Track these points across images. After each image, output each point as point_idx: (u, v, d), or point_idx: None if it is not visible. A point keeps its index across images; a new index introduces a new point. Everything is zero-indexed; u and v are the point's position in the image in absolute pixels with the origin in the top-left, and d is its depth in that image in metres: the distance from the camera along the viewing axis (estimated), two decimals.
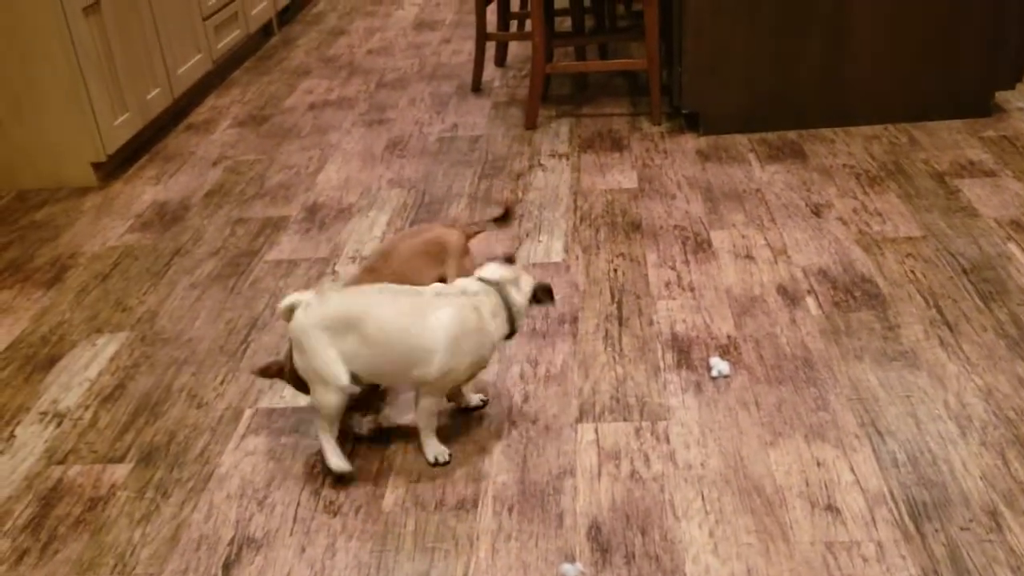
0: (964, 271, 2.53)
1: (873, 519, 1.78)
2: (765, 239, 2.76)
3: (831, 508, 1.81)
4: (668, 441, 2.01)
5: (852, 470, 1.90)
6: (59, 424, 2.23)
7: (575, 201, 3.09)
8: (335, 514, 1.89)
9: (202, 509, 1.94)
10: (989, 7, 3.29)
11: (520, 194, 3.17)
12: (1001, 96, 3.58)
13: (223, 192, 3.37)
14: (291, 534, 1.85)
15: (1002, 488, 1.83)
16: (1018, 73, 3.39)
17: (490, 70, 4.43)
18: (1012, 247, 2.62)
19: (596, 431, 2.06)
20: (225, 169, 3.56)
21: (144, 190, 3.44)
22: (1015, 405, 2.04)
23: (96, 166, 3.49)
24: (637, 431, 2.05)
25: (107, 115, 3.45)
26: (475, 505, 1.89)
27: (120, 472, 2.06)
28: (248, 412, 2.21)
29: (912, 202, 2.91)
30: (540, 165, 3.39)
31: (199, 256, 2.94)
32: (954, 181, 3.01)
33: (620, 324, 2.42)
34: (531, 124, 3.71)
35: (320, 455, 2.02)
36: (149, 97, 3.76)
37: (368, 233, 2.99)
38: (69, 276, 2.89)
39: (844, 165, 3.18)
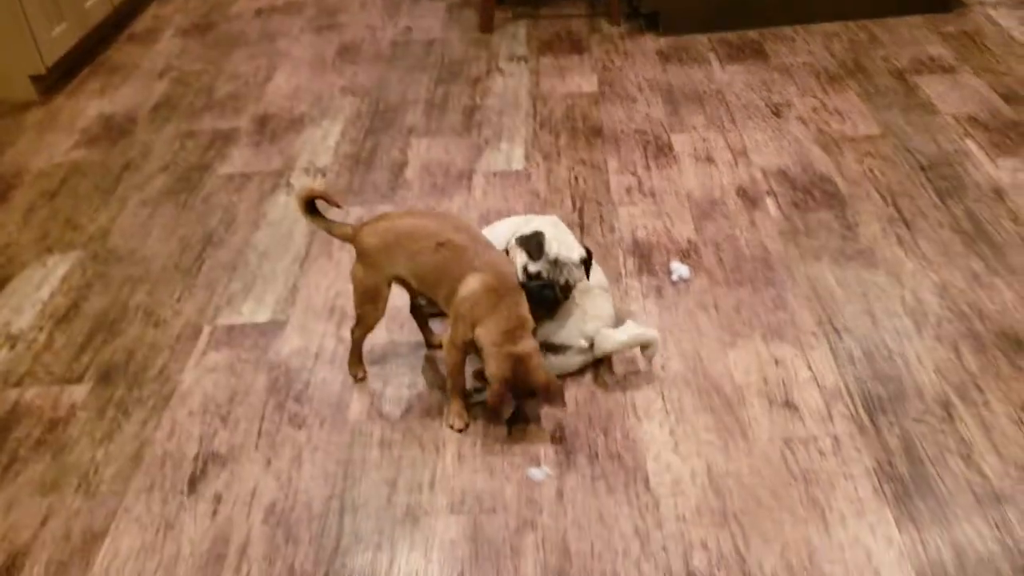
0: (922, 168, 2.57)
1: (829, 414, 1.84)
2: (725, 141, 2.77)
3: (789, 405, 1.87)
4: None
5: (809, 367, 1.95)
6: (13, 347, 2.21)
7: (535, 106, 3.07)
8: (300, 427, 1.92)
9: (165, 427, 1.95)
10: None
11: (479, 100, 3.14)
12: None
13: (170, 105, 3.30)
14: (256, 448, 1.88)
15: (954, 380, 1.89)
16: None
17: None
18: (969, 143, 2.65)
19: None
20: (171, 80, 3.48)
21: (88, 104, 3.36)
22: (969, 300, 2.09)
23: (36, 79, 3.39)
24: None
25: (43, 25, 3.33)
26: (440, 413, 1.92)
27: (79, 393, 2.06)
28: (207, 329, 2.21)
29: (871, 100, 2.92)
30: (498, 69, 3.34)
31: (149, 171, 2.89)
32: (913, 78, 3.02)
33: (582, 231, 2.43)
34: (487, 27, 3.65)
35: (285, 374, 2.05)
36: (87, 5, 3.63)
37: (322, 144, 2.95)
38: (15, 195, 2.83)
39: (804, 64, 3.18)
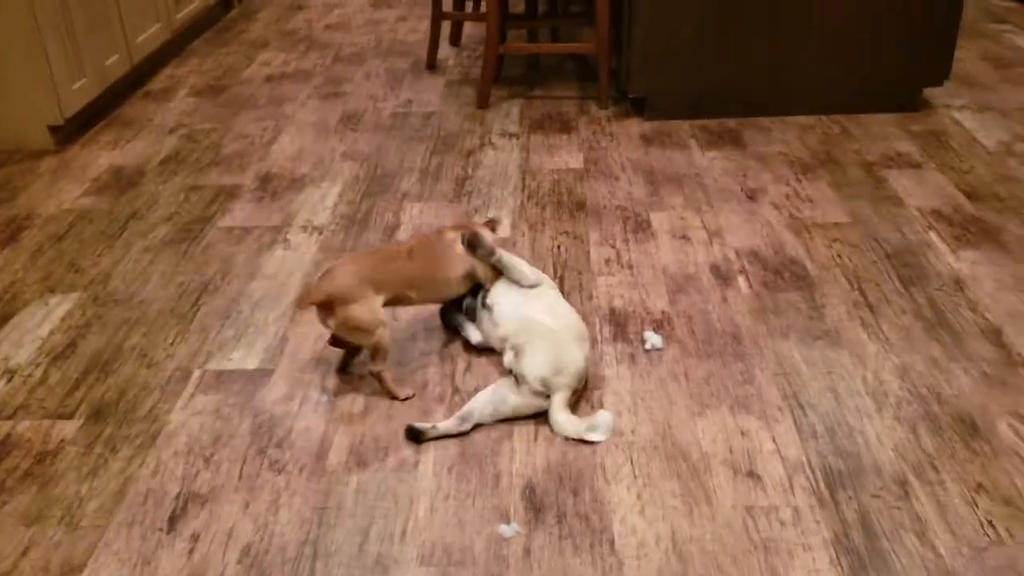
0: (887, 256, 2.60)
1: (791, 486, 1.83)
2: (701, 221, 2.80)
3: (752, 475, 1.86)
4: (602, 409, 2.04)
5: (773, 440, 1.95)
6: (9, 380, 2.19)
7: (523, 180, 3.11)
8: (280, 472, 1.90)
9: (149, 465, 1.93)
10: (920, 7, 3.35)
11: (471, 171, 3.17)
12: (929, 92, 3.65)
13: (179, 159, 3.33)
14: (236, 490, 1.85)
15: (912, 460, 1.89)
16: (946, 71, 3.47)
17: (445, 49, 4.41)
18: (932, 235, 2.69)
19: None
20: (181, 137, 3.51)
21: (101, 155, 3.38)
22: (928, 383, 2.10)
23: (53, 129, 3.41)
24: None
25: (65, 79, 3.38)
26: (415, 466, 1.90)
27: (69, 428, 2.04)
28: (197, 373, 2.20)
29: (842, 190, 2.97)
30: (491, 143, 3.39)
31: (153, 221, 2.90)
32: (882, 171, 3.08)
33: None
34: (483, 103, 3.71)
35: (268, 420, 2.04)
36: (108, 63, 3.68)
37: (320, 203, 2.98)
38: (24, 236, 2.83)
39: (779, 153, 3.24)
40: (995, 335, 2.25)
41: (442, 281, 2.15)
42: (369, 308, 2.02)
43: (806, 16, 3.35)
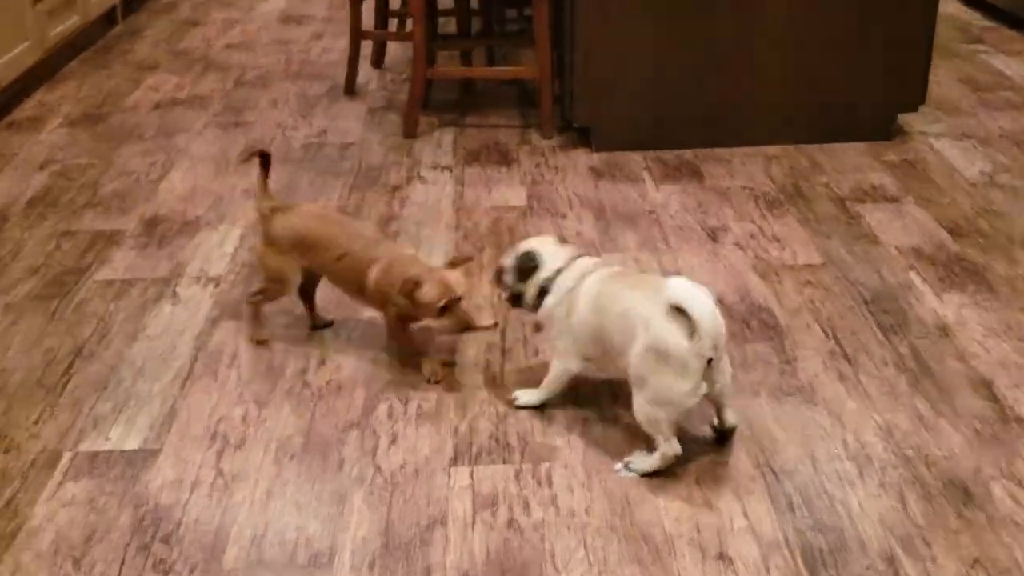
0: (865, 301, 2.62)
1: (767, 567, 1.80)
2: (659, 263, 2.80)
3: (723, 557, 1.82)
4: (551, 485, 2.00)
5: (745, 515, 1.92)
6: None
7: (458, 218, 3.08)
8: (167, 574, 1.80)
9: (5, 571, 1.82)
10: (893, 29, 3.43)
11: (397, 209, 3.13)
12: (904, 119, 3.73)
13: (48, 200, 3.23)
14: None
15: (900, 532, 1.88)
16: (921, 96, 3.55)
17: (366, 71, 4.39)
18: (913, 276, 2.72)
19: (472, 475, 2.03)
20: (52, 174, 3.42)
21: None
22: (914, 443, 2.10)
23: None
24: (517, 474, 2.03)
25: None
26: (330, 561, 1.83)
27: None
28: (67, 456, 2.10)
29: (812, 227, 3.00)
30: (419, 177, 3.36)
31: (17, 274, 2.80)
32: (855, 206, 3.12)
33: (503, 355, 2.41)
34: (410, 132, 3.69)
35: (153, 511, 1.95)
36: None
37: (217, 250, 2.90)
38: None
39: (742, 187, 3.26)
40: (986, 387, 2.27)
41: (363, 296, 2.34)
42: (280, 263, 2.35)
43: (768, 37, 3.41)
